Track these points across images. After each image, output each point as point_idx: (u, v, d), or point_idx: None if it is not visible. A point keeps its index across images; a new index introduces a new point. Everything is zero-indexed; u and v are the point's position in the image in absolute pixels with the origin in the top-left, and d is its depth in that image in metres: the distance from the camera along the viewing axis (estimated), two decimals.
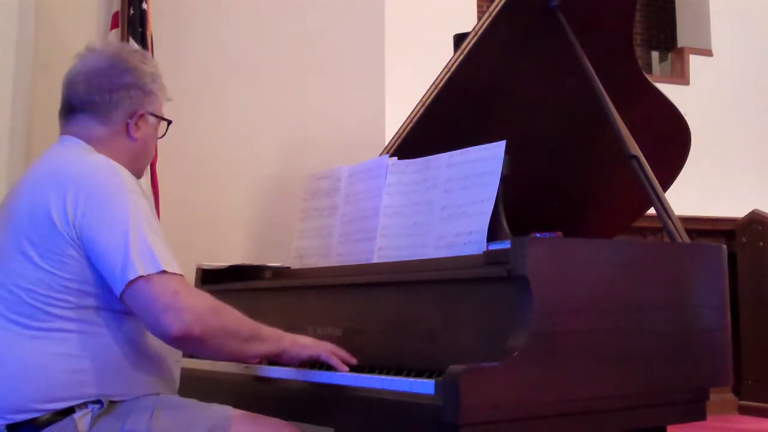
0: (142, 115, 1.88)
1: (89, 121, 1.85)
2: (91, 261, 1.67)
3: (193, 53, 3.19)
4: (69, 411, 1.64)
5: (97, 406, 1.65)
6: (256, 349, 1.79)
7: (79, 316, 1.68)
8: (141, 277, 1.62)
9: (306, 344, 1.87)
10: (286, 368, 1.98)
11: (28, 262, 1.68)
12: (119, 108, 1.85)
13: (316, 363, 1.96)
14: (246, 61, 3.28)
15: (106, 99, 1.84)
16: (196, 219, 3.06)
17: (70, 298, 1.67)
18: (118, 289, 1.64)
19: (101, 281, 1.67)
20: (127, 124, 1.86)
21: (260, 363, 2.05)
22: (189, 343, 1.68)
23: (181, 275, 1.68)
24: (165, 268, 1.64)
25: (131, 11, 2.91)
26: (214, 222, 3.13)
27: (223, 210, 3.17)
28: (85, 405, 1.65)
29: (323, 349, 1.89)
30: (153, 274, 1.63)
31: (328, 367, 1.95)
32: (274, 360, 1.90)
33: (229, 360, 2.04)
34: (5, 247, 1.72)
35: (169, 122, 1.98)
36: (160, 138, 2.00)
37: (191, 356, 2.14)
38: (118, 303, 1.69)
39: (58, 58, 2.82)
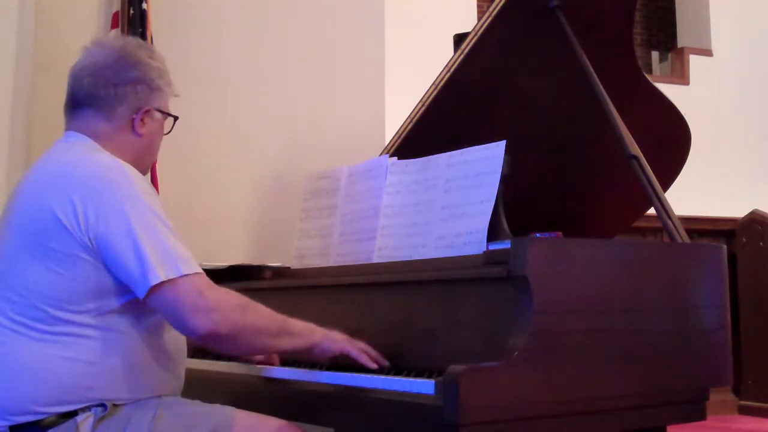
0: (147, 111, 1.85)
1: (94, 116, 1.82)
2: (105, 265, 1.66)
3: (193, 53, 3.18)
4: (72, 414, 1.64)
5: (100, 409, 1.65)
6: (287, 343, 1.80)
7: (87, 320, 1.67)
8: (164, 281, 1.62)
9: (338, 339, 1.86)
10: (287, 368, 1.99)
11: (36, 263, 1.66)
12: (124, 103, 1.83)
13: (317, 363, 1.97)
14: (246, 60, 3.28)
15: (111, 93, 1.82)
16: (196, 219, 3.06)
17: (78, 300, 1.66)
18: (140, 293, 1.64)
19: (109, 284, 1.67)
20: (133, 120, 1.84)
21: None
22: (218, 341, 1.70)
23: (202, 273, 1.68)
24: (186, 270, 1.65)
25: (131, 11, 2.90)
26: (214, 222, 3.13)
27: (223, 210, 3.17)
28: (88, 408, 1.65)
29: (355, 346, 1.87)
30: (176, 277, 1.63)
31: (329, 367, 1.96)
32: (305, 354, 1.89)
33: (260, 353, 2.04)
34: (12, 250, 1.71)
35: (176, 118, 1.95)
36: (166, 134, 1.97)
37: (202, 357, 2.15)
38: (124, 307, 1.69)
39: (58, 58, 2.82)
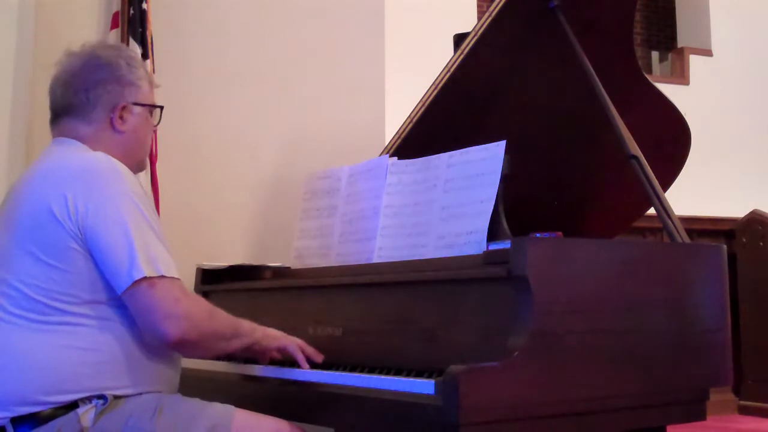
0: (124, 107, 1.88)
1: (74, 123, 1.86)
2: (93, 256, 1.69)
3: (194, 53, 3.18)
4: (73, 406, 1.65)
5: (100, 401, 1.67)
6: (235, 344, 1.88)
7: (83, 310, 1.69)
8: (146, 278, 1.66)
9: (275, 336, 1.96)
10: (287, 368, 1.99)
11: (30, 257, 1.69)
12: (98, 105, 1.86)
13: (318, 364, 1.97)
14: (246, 60, 3.28)
15: (84, 99, 1.85)
16: (196, 219, 3.06)
17: (73, 291, 1.69)
18: (121, 286, 1.67)
19: (103, 275, 1.70)
20: (111, 119, 1.87)
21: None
22: (183, 348, 1.77)
23: (179, 279, 1.72)
24: (166, 273, 1.69)
25: (131, 11, 2.90)
26: (214, 222, 3.13)
27: (223, 210, 3.17)
28: (89, 400, 1.66)
29: (291, 341, 1.97)
30: (156, 277, 1.67)
31: (329, 366, 1.96)
32: (246, 352, 1.97)
33: (211, 357, 2.07)
34: (7, 246, 1.74)
35: (161, 108, 1.99)
36: (157, 126, 2.00)
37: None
38: (119, 297, 1.71)
39: (58, 58, 2.82)
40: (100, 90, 1.86)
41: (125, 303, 1.70)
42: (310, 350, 1.98)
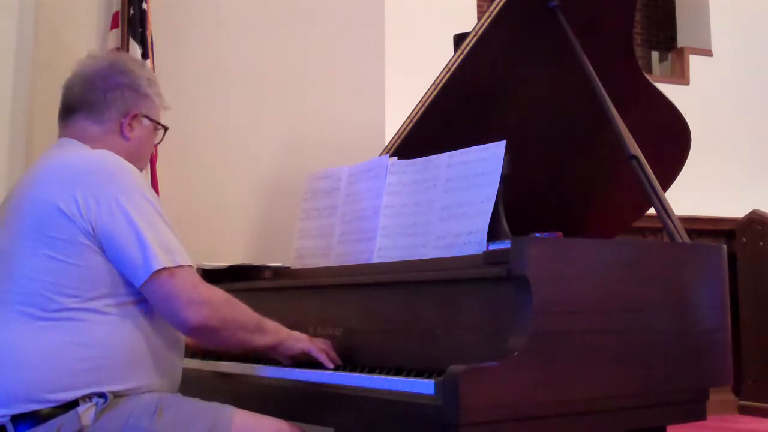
0: (135, 116, 1.92)
1: (85, 120, 1.89)
2: (105, 252, 1.71)
3: (194, 53, 3.19)
4: (73, 404, 1.65)
5: (101, 400, 1.67)
6: (260, 340, 1.90)
7: (88, 306, 1.70)
8: (165, 269, 1.70)
9: (300, 338, 1.98)
10: (287, 368, 1.99)
11: (36, 254, 1.70)
12: (113, 107, 1.89)
13: (317, 363, 1.97)
14: (246, 60, 3.28)
15: (101, 98, 1.89)
16: (196, 219, 3.06)
17: (80, 286, 1.70)
18: (140, 279, 1.70)
19: (111, 271, 1.72)
20: (121, 124, 1.90)
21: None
22: (205, 334, 1.79)
23: (193, 267, 1.77)
24: (182, 262, 1.73)
25: (131, 11, 2.90)
26: (214, 222, 3.13)
27: (223, 210, 3.17)
28: (89, 398, 1.66)
29: (315, 345, 1.98)
30: (174, 267, 1.71)
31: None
32: (270, 351, 1.97)
33: (236, 348, 2.09)
34: (12, 243, 1.74)
35: (166, 129, 2.02)
36: (158, 144, 2.05)
37: (203, 357, 2.16)
38: (126, 294, 1.73)
39: (58, 58, 2.83)
40: (117, 93, 1.90)
41: (144, 295, 1.73)
42: (333, 354, 1.99)
